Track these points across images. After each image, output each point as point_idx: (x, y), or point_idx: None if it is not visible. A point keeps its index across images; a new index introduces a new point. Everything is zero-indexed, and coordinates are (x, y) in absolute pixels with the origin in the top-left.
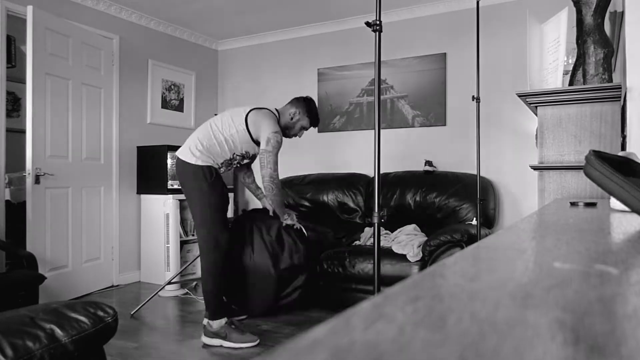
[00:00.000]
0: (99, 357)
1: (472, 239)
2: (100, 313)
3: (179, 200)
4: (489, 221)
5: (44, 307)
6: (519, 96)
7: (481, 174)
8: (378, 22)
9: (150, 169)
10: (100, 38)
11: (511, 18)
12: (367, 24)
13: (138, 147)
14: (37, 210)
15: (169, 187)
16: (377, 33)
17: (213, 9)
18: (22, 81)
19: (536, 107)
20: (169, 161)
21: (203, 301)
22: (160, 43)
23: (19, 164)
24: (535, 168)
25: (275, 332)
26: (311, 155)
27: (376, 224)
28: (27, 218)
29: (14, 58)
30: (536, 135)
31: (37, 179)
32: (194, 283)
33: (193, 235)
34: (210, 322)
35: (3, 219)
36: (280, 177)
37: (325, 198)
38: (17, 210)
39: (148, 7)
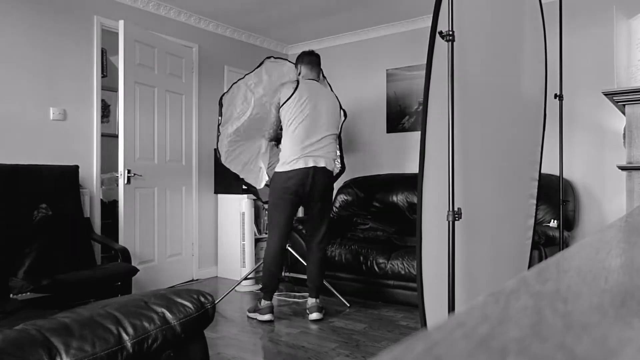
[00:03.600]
0: (201, 342)
1: (549, 241)
2: (202, 299)
3: (253, 199)
4: (568, 223)
5: (154, 292)
6: (606, 95)
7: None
8: (451, 32)
9: (227, 171)
10: (181, 47)
11: (593, 12)
12: (440, 33)
13: (215, 150)
14: (128, 208)
15: (244, 187)
16: (450, 43)
17: (283, 15)
18: (111, 89)
19: (624, 105)
20: None
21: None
22: (234, 49)
23: (106, 166)
24: (623, 168)
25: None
26: (380, 155)
27: (450, 222)
28: (120, 215)
29: (105, 68)
30: (624, 134)
31: (128, 180)
32: None
33: (266, 233)
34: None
35: (99, 216)
36: (350, 177)
37: (394, 198)
38: (107, 208)
39: (224, 16)
